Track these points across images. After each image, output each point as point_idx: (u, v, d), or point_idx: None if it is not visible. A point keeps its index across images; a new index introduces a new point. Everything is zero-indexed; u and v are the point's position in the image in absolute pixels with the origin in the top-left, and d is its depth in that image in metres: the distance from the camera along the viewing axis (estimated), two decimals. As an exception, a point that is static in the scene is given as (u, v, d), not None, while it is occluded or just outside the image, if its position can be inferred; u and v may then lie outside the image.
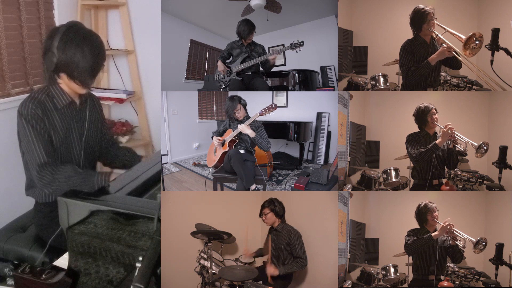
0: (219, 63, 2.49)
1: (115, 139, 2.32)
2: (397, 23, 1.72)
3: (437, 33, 1.64)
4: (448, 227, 1.59)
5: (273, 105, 2.28)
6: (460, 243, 1.60)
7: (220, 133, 2.55)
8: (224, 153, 2.41)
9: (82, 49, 1.77)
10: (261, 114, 2.29)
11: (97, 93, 2.64)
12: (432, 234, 1.62)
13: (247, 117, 2.39)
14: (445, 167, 1.70)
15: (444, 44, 1.62)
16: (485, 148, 1.61)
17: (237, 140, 2.41)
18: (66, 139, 1.93)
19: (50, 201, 2.01)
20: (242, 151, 2.39)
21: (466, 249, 1.70)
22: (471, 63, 1.63)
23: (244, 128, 2.30)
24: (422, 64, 1.65)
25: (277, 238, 1.83)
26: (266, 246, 1.88)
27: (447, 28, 1.61)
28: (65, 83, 1.89)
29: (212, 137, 2.55)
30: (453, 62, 1.66)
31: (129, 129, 3.67)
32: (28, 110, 1.81)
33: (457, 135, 1.63)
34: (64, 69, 1.82)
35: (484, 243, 1.60)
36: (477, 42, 1.55)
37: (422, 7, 1.64)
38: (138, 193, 1.49)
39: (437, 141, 1.65)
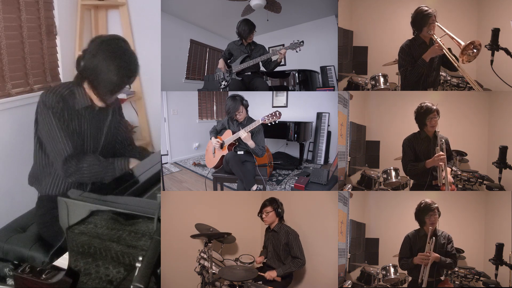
0: (220, 60, 2.49)
1: (131, 140, 2.32)
2: (397, 23, 1.72)
3: (436, 37, 1.64)
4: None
5: (277, 113, 2.19)
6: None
7: (218, 131, 2.54)
8: (224, 155, 2.40)
9: (108, 65, 1.78)
10: (263, 121, 2.23)
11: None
12: (426, 162, 1.66)
13: (248, 118, 2.38)
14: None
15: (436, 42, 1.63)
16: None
17: (237, 143, 2.40)
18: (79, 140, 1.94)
19: (54, 194, 2.00)
20: (241, 152, 2.38)
21: (466, 249, 1.70)
22: (462, 69, 1.64)
23: (246, 138, 2.27)
24: (418, 62, 1.65)
25: (274, 238, 1.83)
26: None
27: (447, 32, 1.61)
28: (87, 89, 1.91)
29: (210, 138, 2.54)
30: (450, 64, 1.67)
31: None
32: (53, 102, 1.83)
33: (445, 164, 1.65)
34: (87, 76, 1.84)
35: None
36: (475, 50, 1.55)
37: (426, 9, 1.63)
38: (138, 193, 1.49)
39: (426, 163, 1.66)
